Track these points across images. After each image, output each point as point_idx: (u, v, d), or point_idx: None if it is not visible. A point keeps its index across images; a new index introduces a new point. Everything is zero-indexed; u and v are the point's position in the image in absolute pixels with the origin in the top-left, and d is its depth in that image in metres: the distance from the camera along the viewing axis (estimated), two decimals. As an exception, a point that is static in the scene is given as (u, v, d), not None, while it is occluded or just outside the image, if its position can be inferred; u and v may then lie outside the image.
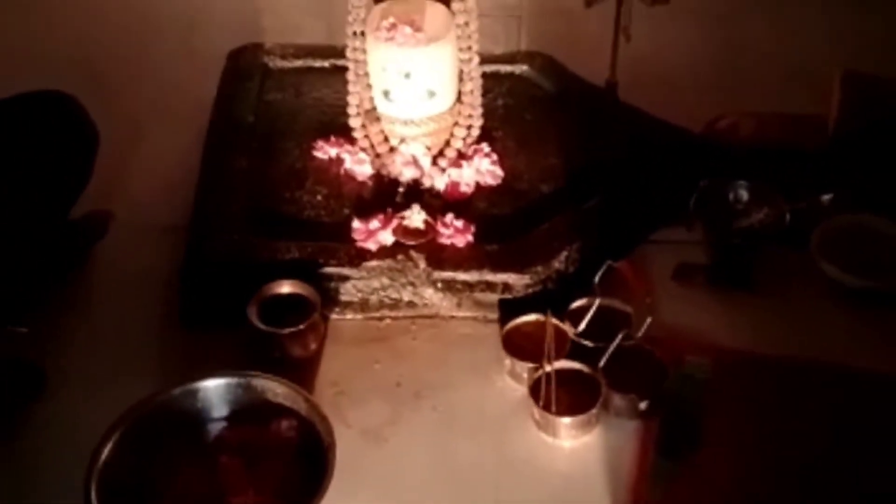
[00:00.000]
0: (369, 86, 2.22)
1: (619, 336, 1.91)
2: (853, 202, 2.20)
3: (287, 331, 1.97)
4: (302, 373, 1.99)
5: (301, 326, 1.98)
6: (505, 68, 2.56)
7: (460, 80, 2.25)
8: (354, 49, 2.19)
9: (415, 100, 2.19)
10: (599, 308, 2.00)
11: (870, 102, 2.40)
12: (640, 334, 1.93)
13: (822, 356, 2.00)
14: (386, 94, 2.19)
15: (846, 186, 2.22)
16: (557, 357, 1.93)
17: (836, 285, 2.12)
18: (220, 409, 1.84)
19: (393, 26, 2.11)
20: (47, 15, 2.91)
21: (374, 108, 2.24)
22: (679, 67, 2.66)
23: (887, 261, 2.13)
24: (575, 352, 1.96)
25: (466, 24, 2.17)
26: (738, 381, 1.98)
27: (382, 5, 2.19)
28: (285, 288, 2.04)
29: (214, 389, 1.83)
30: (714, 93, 2.58)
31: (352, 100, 2.25)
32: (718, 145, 2.40)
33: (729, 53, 2.69)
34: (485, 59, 2.30)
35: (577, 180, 2.28)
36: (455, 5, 2.16)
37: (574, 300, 2.05)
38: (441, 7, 2.19)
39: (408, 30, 2.10)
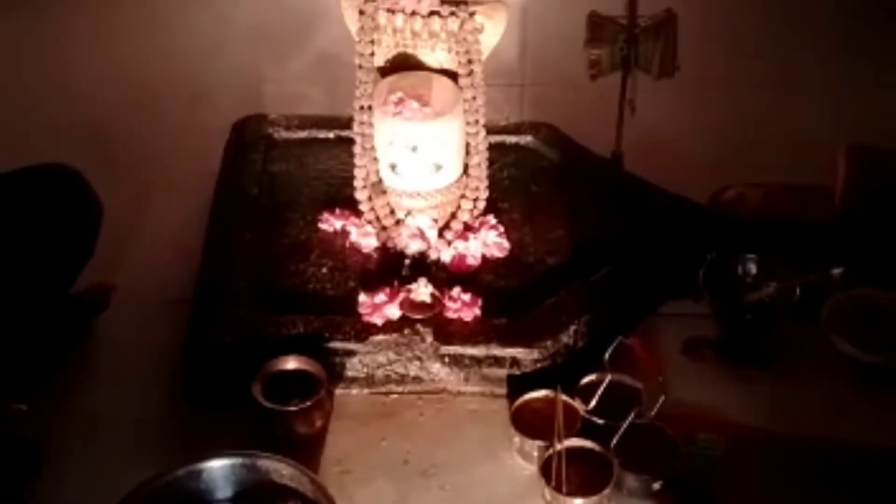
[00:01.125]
0: (376, 159, 2.22)
1: (632, 414, 1.87)
2: (864, 276, 2.18)
3: (292, 408, 1.94)
4: (307, 450, 1.95)
5: (307, 404, 1.94)
6: (510, 139, 2.56)
7: (467, 153, 2.24)
8: (361, 123, 2.19)
9: (421, 173, 2.18)
10: (610, 384, 1.97)
11: (874, 175, 2.40)
12: (652, 413, 1.89)
13: (835, 435, 1.97)
14: (393, 167, 2.19)
15: (856, 260, 2.20)
16: (568, 435, 1.89)
17: (849, 361, 2.09)
18: (224, 490, 1.79)
19: (401, 101, 2.11)
20: (52, 86, 2.93)
21: (381, 181, 2.24)
22: (684, 139, 2.66)
23: (899, 336, 2.11)
24: (586, 429, 1.93)
25: (474, 98, 2.17)
26: (752, 459, 1.94)
27: (389, 79, 2.20)
28: (290, 364, 2.01)
29: (219, 470, 1.78)
30: (719, 164, 2.57)
31: (358, 173, 2.24)
32: (725, 217, 2.39)
33: (734, 125, 2.70)
34: (490, 130, 2.30)
35: (583, 253, 2.27)
36: (462, 80, 2.16)
37: (584, 376, 2.02)
38: (448, 81, 2.19)
39: (415, 104, 2.10)
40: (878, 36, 2.98)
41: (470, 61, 2.15)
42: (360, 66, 2.17)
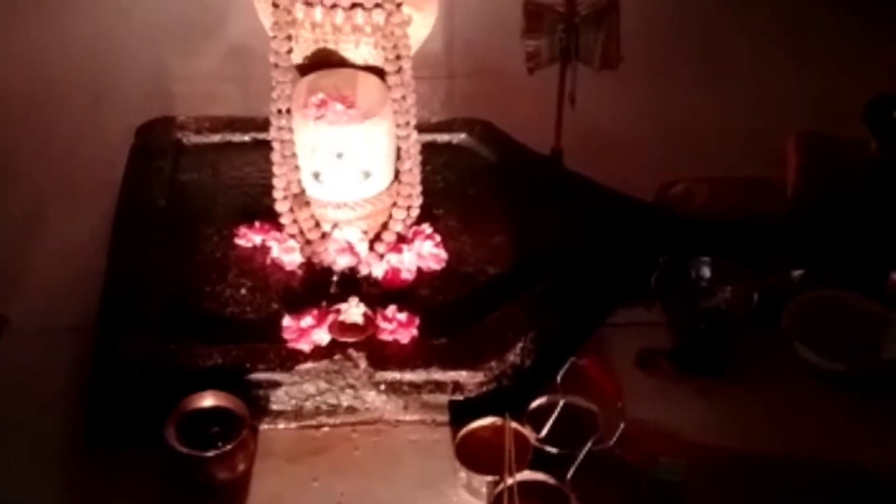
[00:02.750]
0: (297, 167, 2.02)
1: (588, 443, 1.72)
2: (824, 276, 2.07)
3: (212, 453, 1.75)
4: (230, 497, 1.78)
5: (227, 447, 1.76)
6: (442, 137, 2.39)
7: (398, 157, 2.07)
8: (280, 128, 2.00)
9: (348, 181, 2.00)
10: (563, 408, 1.83)
11: (827, 163, 2.30)
12: (612, 442, 1.74)
13: (799, 449, 1.87)
14: (316, 175, 2.01)
15: (815, 259, 2.09)
16: (519, 467, 1.75)
17: (811, 367, 1.98)
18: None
19: (323, 103, 1.92)
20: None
21: (303, 192, 2.05)
22: (627, 133, 2.52)
23: (863, 339, 2.01)
24: (538, 460, 1.79)
25: (403, 97, 1.99)
26: (713, 480, 1.82)
27: (309, 78, 2.00)
28: (208, 401, 1.82)
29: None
30: (665, 159, 2.45)
31: (278, 183, 2.04)
32: (674, 215, 2.26)
33: (678, 117, 2.57)
34: (419, 128, 2.12)
35: (526, 260, 2.12)
36: (390, 78, 1.98)
37: (533, 398, 1.87)
38: (374, 79, 2.01)
39: (339, 106, 1.92)
40: (825, 19, 2.88)
41: (398, 57, 1.97)
42: (276, 66, 1.97)
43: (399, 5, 1.96)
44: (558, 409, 1.82)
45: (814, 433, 1.90)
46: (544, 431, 1.81)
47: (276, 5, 1.96)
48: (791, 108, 2.58)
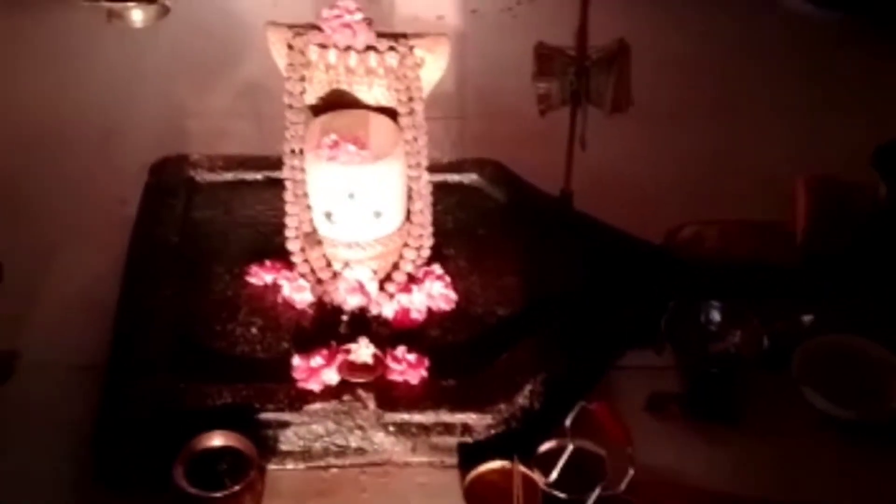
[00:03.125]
0: (309, 207, 2.03)
1: (597, 489, 1.71)
2: (834, 320, 2.07)
3: (220, 494, 1.74)
4: (237, 538, 1.76)
5: (236, 488, 1.74)
6: (453, 177, 2.40)
7: (409, 198, 2.07)
8: (293, 168, 2.01)
9: (360, 221, 2.01)
10: (572, 452, 1.81)
11: (836, 208, 2.30)
12: (622, 488, 1.73)
13: (807, 497, 1.86)
14: (328, 215, 2.01)
15: (825, 304, 2.08)
16: (528, 512, 1.73)
17: (820, 414, 1.96)
18: None
19: (335, 143, 1.93)
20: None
21: (315, 231, 2.05)
22: (636, 175, 2.53)
23: (873, 386, 1.99)
24: (547, 504, 1.76)
25: (415, 139, 2.00)
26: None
27: (322, 119, 2.01)
28: (217, 440, 1.81)
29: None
30: (674, 201, 2.46)
31: (290, 222, 2.05)
32: (683, 259, 2.25)
33: (688, 159, 2.58)
34: (430, 168, 2.12)
35: (536, 301, 2.12)
36: (402, 120, 1.99)
37: (542, 442, 1.86)
38: (386, 120, 2.02)
39: (352, 147, 1.92)
40: (835, 62, 2.89)
41: (410, 99, 1.98)
42: (290, 106, 1.98)
43: (412, 48, 1.98)
44: (567, 453, 1.81)
45: (822, 481, 1.88)
46: (553, 476, 1.79)
47: (290, 47, 1.98)
48: (800, 151, 2.59)
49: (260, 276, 2.11)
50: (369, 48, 1.96)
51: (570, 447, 1.81)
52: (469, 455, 1.87)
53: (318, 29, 1.98)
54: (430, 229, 2.12)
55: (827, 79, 2.85)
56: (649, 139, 2.61)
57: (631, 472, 1.74)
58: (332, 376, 1.90)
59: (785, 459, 1.92)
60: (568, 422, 1.83)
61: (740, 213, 2.39)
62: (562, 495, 1.77)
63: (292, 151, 2.00)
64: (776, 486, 1.87)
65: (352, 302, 2.04)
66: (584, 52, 2.11)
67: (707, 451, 1.93)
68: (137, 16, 2.52)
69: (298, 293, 2.07)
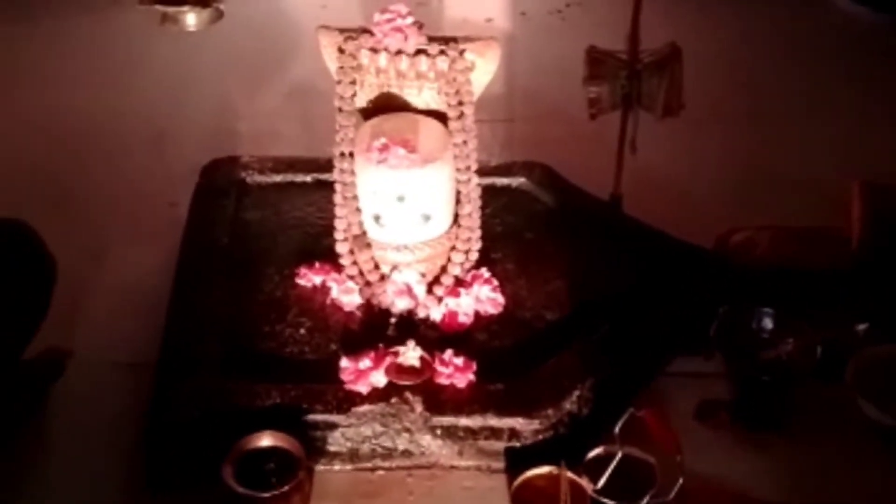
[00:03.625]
0: (358, 209, 2.03)
1: (647, 498, 1.69)
2: (890, 331, 2.02)
3: (268, 494, 1.74)
4: (284, 539, 1.76)
5: (285, 488, 1.75)
6: (501, 181, 2.39)
7: (457, 201, 2.07)
8: (342, 170, 2.01)
9: (408, 224, 2.00)
10: (620, 459, 1.79)
11: (892, 213, 2.25)
12: (671, 497, 1.71)
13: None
14: (377, 218, 2.01)
15: (880, 313, 2.04)
16: (575, 518, 1.72)
17: (874, 424, 1.92)
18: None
19: (385, 147, 1.93)
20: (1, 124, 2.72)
21: (364, 233, 2.05)
22: (687, 179, 2.51)
23: (929, 397, 1.95)
24: (594, 511, 1.75)
25: (464, 142, 2.00)
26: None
27: (372, 122, 2.02)
28: (265, 441, 1.82)
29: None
30: (725, 206, 2.43)
31: (339, 224, 2.06)
32: (734, 264, 2.22)
33: (740, 163, 2.55)
34: (479, 171, 2.12)
35: (584, 306, 2.10)
36: (452, 123, 1.99)
37: (591, 448, 1.84)
38: (436, 124, 2.02)
39: (401, 151, 1.92)
40: (886, 65, 2.84)
41: (460, 103, 1.98)
42: (341, 110, 1.99)
43: (462, 52, 1.98)
44: (616, 460, 1.79)
45: (874, 492, 1.84)
46: (601, 482, 1.78)
47: (342, 51, 1.99)
48: (852, 157, 2.54)
49: (309, 277, 2.12)
50: (420, 52, 1.97)
51: (619, 454, 1.80)
52: (516, 460, 1.86)
53: (369, 33, 1.99)
54: (478, 233, 2.11)
55: (879, 82, 2.80)
56: (700, 143, 2.59)
57: (680, 480, 1.72)
58: (379, 379, 1.90)
59: (835, 469, 1.88)
60: (617, 428, 1.82)
61: (791, 218, 2.35)
62: (610, 503, 1.75)
63: (342, 154, 2.00)
64: (826, 496, 1.84)
65: (400, 305, 2.04)
66: (635, 55, 2.10)
67: (757, 459, 1.90)
68: (191, 20, 2.55)
69: (347, 295, 2.07)
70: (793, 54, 2.93)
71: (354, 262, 2.07)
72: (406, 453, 1.90)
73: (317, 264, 2.13)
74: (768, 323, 2.05)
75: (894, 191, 2.30)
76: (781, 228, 2.32)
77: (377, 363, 1.91)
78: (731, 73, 2.83)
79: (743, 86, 2.81)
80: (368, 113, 2.07)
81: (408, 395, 1.90)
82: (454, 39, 1.98)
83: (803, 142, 2.63)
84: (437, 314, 2.05)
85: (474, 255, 2.12)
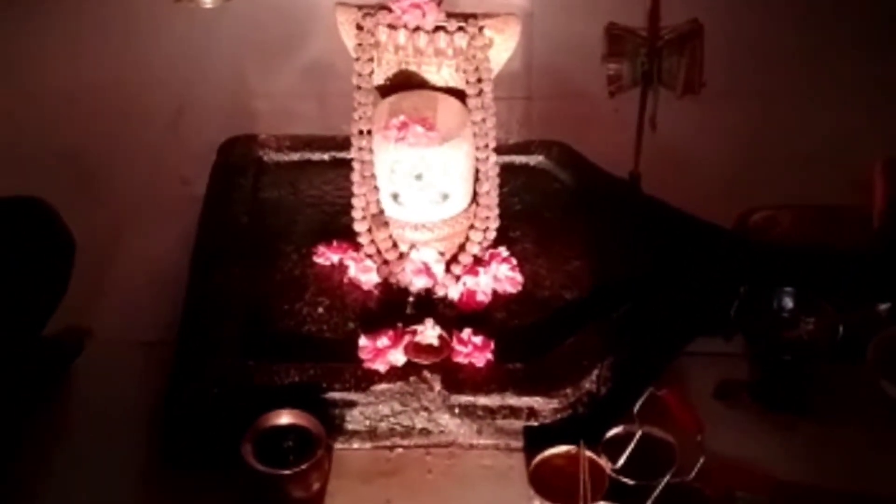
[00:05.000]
0: (376, 188, 2.02)
1: (667, 476, 1.69)
2: (912, 311, 2.01)
3: (288, 471, 1.75)
4: (303, 516, 1.77)
5: (303, 466, 1.76)
6: (519, 159, 2.37)
7: (476, 179, 2.05)
8: (360, 149, 2.00)
9: (427, 203, 2.00)
10: (640, 438, 1.79)
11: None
12: (692, 476, 1.71)
13: (881, 489, 1.81)
14: (395, 196, 2.00)
15: (902, 293, 2.02)
16: (594, 498, 1.73)
17: (896, 405, 1.91)
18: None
19: (403, 125, 1.92)
20: (17, 105, 2.72)
21: (382, 212, 2.05)
22: (707, 158, 2.48)
23: (952, 377, 1.93)
24: (614, 491, 1.75)
25: (483, 120, 1.98)
26: (795, 517, 1.77)
27: (390, 100, 2.00)
28: (284, 419, 1.83)
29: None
30: (746, 184, 2.40)
31: (357, 203, 2.05)
32: (755, 244, 2.21)
33: (761, 141, 2.52)
34: (496, 150, 2.10)
35: (603, 285, 2.09)
36: (471, 101, 1.97)
37: (609, 427, 1.84)
38: (455, 102, 2.00)
39: (419, 128, 1.91)
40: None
41: (479, 80, 1.97)
42: (359, 87, 1.97)
43: (481, 29, 1.96)
44: (636, 439, 1.79)
45: (893, 471, 1.83)
46: (621, 462, 1.77)
47: (360, 27, 1.98)
48: (878, 133, 2.51)
49: (327, 256, 2.12)
50: (438, 29, 1.95)
51: (639, 433, 1.79)
52: (535, 439, 1.86)
53: (388, 9, 1.97)
54: (496, 211, 2.10)
55: (905, 59, 2.76)
56: (720, 121, 2.56)
57: (701, 459, 1.71)
58: (398, 357, 1.90)
59: (856, 450, 1.87)
60: (636, 408, 1.81)
61: (812, 197, 2.33)
62: (630, 481, 1.75)
63: (360, 132, 1.99)
64: (847, 476, 1.83)
65: (418, 283, 2.03)
66: (656, 32, 2.07)
67: (778, 439, 1.89)
68: (208, -4, 2.54)
69: (365, 274, 2.07)
70: (814, 31, 2.88)
71: (372, 241, 2.07)
72: (424, 432, 1.90)
73: (335, 243, 2.12)
74: (789, 303, 2.03)
75: (918, 168, 2.28)
76: (802, 207, 2.30)
77: (395, 342, 1.91)
78: (753, 50, 2.79)
79: (764, 63, 2.77)
80: (386, 90, 2.05)
81: (426, 373, 1.90)
82: (473, 16, 1.96)
83: (825, 120, 2.59)
84: (455, 293, 2.04)
85: (492, 234, 2.11)
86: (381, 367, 1.90)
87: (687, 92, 2.11)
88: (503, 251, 2.10)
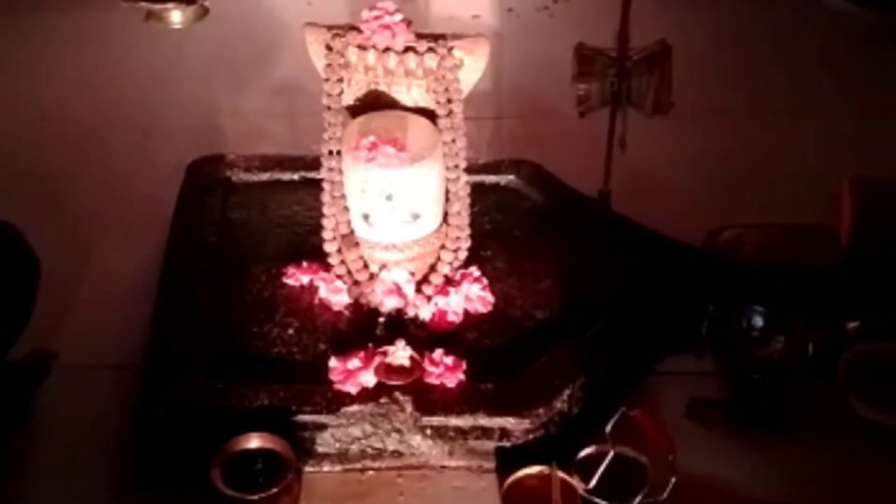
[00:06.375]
0: (346, 208, 2.01)
1: (639, 497, 1.68)
2: (879, 327, 2.02)
3: (257, 496, 1.73)
4: (273, 541, 1.75)
5: (273, 490, 1.74)
6: (490, 179, 2.38)
7: (446, 199, 2.05)
8: (330, 169, 1.99)
9: (397, 223, 1.99)
10: (612, 458, 1.78)
11: (882, 210, 2.25)
12: (664, 497, 1.70)
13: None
14: (365, 217, 1.99)
15: (870, 309, 2.04)
16: (567, 518, 1.71)
17: (866, 422, 1.92)
18: None
19: (373, 145, 1.91)
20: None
21: (352, 233, 2.04)
22: (676, 176, 2.50)
23: (920, 394, 1.95)
24: (586, 511, 1.74)
25: (453, 140, 1.98)
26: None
27: (360, 120, 2.00)
28: (254, 442, 1.80)
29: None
30: (714, 203, 2.42)
31: (327, 223, 2.04)
32: (724, 262, 2.22)
33: (729, 161, 2.55)
34: (467, 169, 2.10)
35: (574, 304, 2.09)
36: (441, 121, 1.97)
37: (581, 447, 1.83)
38: (424, 122, 2.00)
39: (390, 149, 1.91)
40: (876, 62, 2.84)
41: (449, 100, 1.97)
42: (329, 107, 1.97)
43: (451, 49, 1.96)
44: (608, 459, 1.78)
45: (867, 490, 1.84)
46: (593, 482, 1.77)
47: (329, 48, 1.97)
48: (847, 154, 2.54)
49: (297, 276, 2.10)
50: (408, 49, 1.95)
51: (611, 453, 1.79)
52: (507, 460, 1.85)
53: (357, 30, 1.97)
54: (467, 231, 2.09)
55: (867, 79, 2.80)
56: (689, 141, 2.58)
57: (673, 479, 1.71)
58: (368, 378, 1.88)
59: (829, 468, 1.88)
60: (608, 427, 1.81)
61: (781, 216, 2.35)
62: (602, 502, 1.74)
63: (330, 153, 1.98)
64: (821, 495, 1.83)
65: (389, 304, 2.02)
66: (625, 53, 2.09)
67: (750, 459, 1.89)
68: (176, 17, 2.52)
69: (335, 294, 2.05)
70: (782, 51, 2.93)
71: (343, 262, 2.05)
72: (396, 454, 1.89)
73: (304, 263, 2.11)
74: (759, 321, 2.04)
75: (884, 186, 2.30)
76: (770, 225, 2.32)
77: (366, 363, 1.90)
78: (721, 71, 2.83)
79: (732, 83, 2.81)
80: (356, 111, 2.05)
81: (397, 395, 1.88)
82: (443, 37, 1.96)
83: (792, 139, 2.63)
84: (426, 313, 2.03)
85: (463, 254, 2.10)
86: (351, 388, 1.88)
87: (656, 112, 2.13)
88: (474, 271, 2.09)
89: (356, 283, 2.05)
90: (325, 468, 1.88)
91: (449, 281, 2.07)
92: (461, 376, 1.90)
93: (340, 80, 1.98)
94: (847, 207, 2.25)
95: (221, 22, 2.97)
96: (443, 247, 2.07)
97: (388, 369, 1.91)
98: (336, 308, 2.06)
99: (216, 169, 2.38)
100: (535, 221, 2.30)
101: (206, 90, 2.86)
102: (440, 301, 2.04)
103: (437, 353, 1.91)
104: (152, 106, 2.79)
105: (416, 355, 1.92)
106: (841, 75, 2.82)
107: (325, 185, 2.02)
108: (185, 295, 2.08)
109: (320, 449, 1.88)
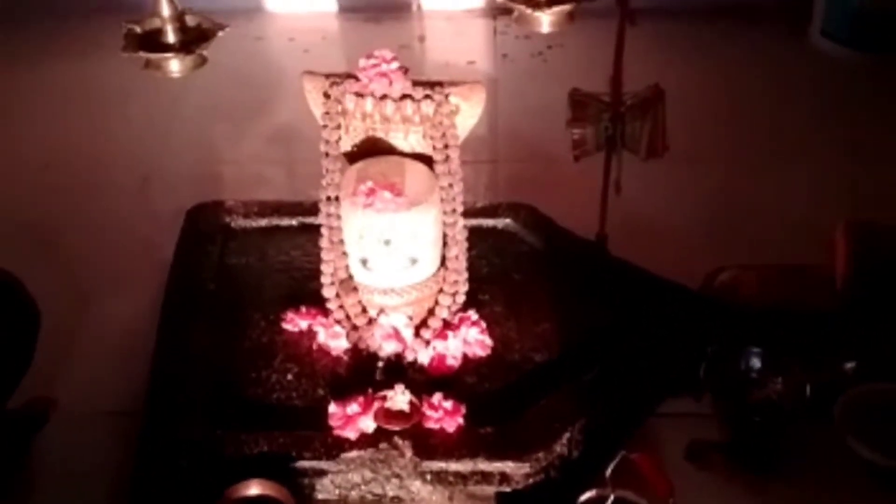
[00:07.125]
0: (345, 253, 2.02)
1: (641, 543, 1.68)
2: (876, 369, 2.02)
3: (256, 545, 1.72)
4: (273, 589, 1.74)
5: (273, 538, 1.72)
6: (487, 222, 2.39)
7: (444, 244, 2.06)
8: (328, 214, 2.00)
9: (395, 268, 2.00)
10: (612, 502, 1.78)
11: (877, 253, 2.26)
12: (665, 541, 1.70)
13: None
14: (364, 262, 2.00)
15: (867, 351, 2.04)
16: (568, 564, 1.70)
17: (865, 463, 1.92)
18: None
19: (371, 191, 1.92)
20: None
21: (351, 277, 2.04)
22: (672, 219, 2.52)
23: (919, 435, 1.94)
24: (588, 555, 1.73)
25: (450, 185, 2.00)
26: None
27: (358, 166, 2.02)
28: (254, 489, 1.80)
29: None
30: (711, 246, 2.44)
31: (326, 269, 2.05)
32: (721, 304, 2.22)
33: (725, 204, 2.57)
34: (464, 213, 2.11)
35: (572, 348, 2.09)
36: (438, 167, 1.99)
37: (582, 492, 1.82)
38: (422, 167, 2.02)
39: (387, 194, 1.92)
40: (869, 104, 2.88)
41: (446, 146, 1.98)
42: (327, 154, 1.99)
43: (447, 96, 1.98)
44: (609, 503, 1.78)
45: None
46: (594, 527, 1.77)
47: (327, 96, 1.99)
48: (841, 196, 2.56)
49: (295, 322, 2.11)
50: (405, 96, 1.97)
51: (612, 497, 1.78)
52: (507, 505, 1.85)
53: (354, 78, 1.99)
54: (465, 275, 2.10)
55: (860, 121, 2.83)
56: (685, 183, 2.60)
57: (674, 524, 1.71)
58: (368, 424, 1.88)
59: (831, 509, 1.88)
60: (608, 471, 1.80)
61: (777, 258, 2.36)
62: (603, 547, 1.74)
63: (328, 198, 2.00)
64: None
65: (387, 348, 2.03)
66: (618, 98, 2.12)
67: (749, 501, 1.89)
68: (175, 66, 2.54)
69: (334, 340, 2.06)
70: (775, 94, 2.96)
71: (341, 306, 2.06)
72: (396, 499, 1.88)
73: (303, 309, 2.12)
74: (756, 363, 2.04)
75: (879, 229, 2.32)
76: (767, 267, 2.32)
77: (365, 408, 1.90)
78: (715, 114, 2.86)
79: (726, 126, 2.84)
80: (354, 157, 2.06)
81: (397, 440, 1.88)
82: (439, 83, 1.98)
83: (787, 180, 2.65)
84: (425, 357, 2.03)
85: (461, 298, 2.11)
86: (351, 434, 1.87)
87: (651, 155, 2.15)
88: (472, 314, 2.10)
89: (355, 327, 2.05)
90: (326, 515, 1.88)
91: (447, 325, 2.07)
92: (460, 420, 1.90)
93: (338, 127, 2.00)
94: (842, 251, 2.26)
95: (220, 70, 2.97)
96: (441, 291, 2.08)
97: (388, 414, 1.91)
98: (335, 353, 2.06)
99: (215, 215, 2.39)
100: (532, 265, 2.30)
101: (205, 138, 2.88)
102: (439, 345, 2.04)
103: (437, 398, 1.92)
104: (152, 153, 2.81)
105: (415, 400, 1.92)
106: (834, 117, 2.85)
107: (324, 231, 2.03)
108: (184, 342, 2.08)
109: (320, 495, 1.87)
